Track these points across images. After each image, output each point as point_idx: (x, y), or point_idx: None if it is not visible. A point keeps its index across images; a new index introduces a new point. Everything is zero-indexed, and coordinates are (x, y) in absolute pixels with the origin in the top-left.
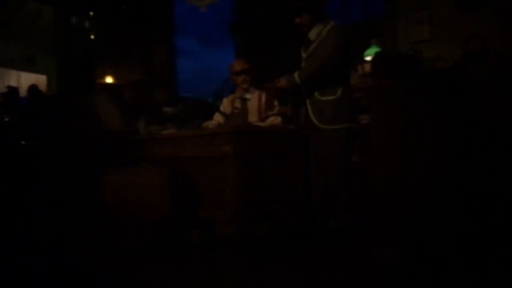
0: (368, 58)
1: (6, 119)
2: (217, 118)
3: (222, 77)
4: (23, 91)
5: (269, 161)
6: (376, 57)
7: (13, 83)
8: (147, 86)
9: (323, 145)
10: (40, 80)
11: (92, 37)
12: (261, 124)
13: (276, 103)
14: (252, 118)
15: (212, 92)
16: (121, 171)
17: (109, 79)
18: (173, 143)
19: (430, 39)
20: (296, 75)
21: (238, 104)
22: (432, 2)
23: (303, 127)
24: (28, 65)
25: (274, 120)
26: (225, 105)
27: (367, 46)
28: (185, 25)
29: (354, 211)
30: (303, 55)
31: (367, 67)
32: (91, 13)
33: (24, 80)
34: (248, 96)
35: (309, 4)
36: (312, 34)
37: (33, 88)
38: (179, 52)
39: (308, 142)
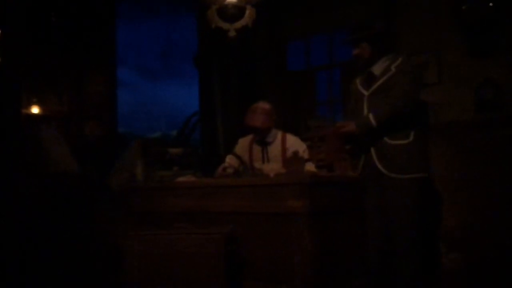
0: None
1: None
2: (231, 161)
3: (166, 112)
4: None
5: (340, 219)
6: None
7: None
8: (79, 119)
9: (390, 198)
10: None
11: None
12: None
13: (304, 147)
14: (275, 165)
15: (152, 128)
16: (153, 235)
17: (35, 109)
18: (199, 194)
19: (438, 82)
20: (371, 117)
21: (257, 147)
22: (439, 44)
23: (361, 175)
24: None
25: (309, 167)
26: (241, 147)
27: None
28: (124, 55)
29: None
30: (364, 92)
31: None
32: None
33: None
34: (270, 139)
35: (372, 34)
36: (377, 69)
37: None
38: (117, 83)
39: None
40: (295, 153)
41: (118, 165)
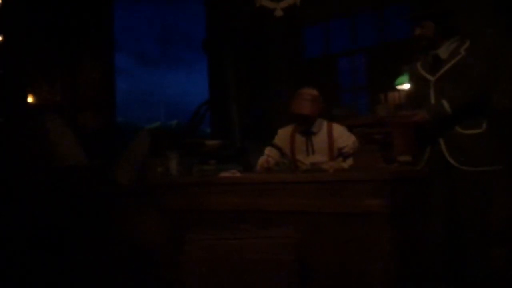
0: (401, 87)
1: None
2: (271, 153)
3: (164, 100)
4: None
5: (416, 218)
6: None
7: None
8: (74, 109)
9: (460, 193)
10: None
11: None
12: (343, 165)
13: (354, 138)
14: (321, 157)
15: (150, 117)
16: (214, 240)
17: (28, 99)
18: (250, 190)
19: None
20: (445, 104)
21: (300, 138)
22: (480, 27)
23: (425, 169)
24: None
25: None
26: (282, 138)
27: (395, 70)
28: (120, 40)
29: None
30: (429, 77)
31: (399, 97)
32: None
33: None
34: (315, 128)
35: (438, 12)
36: (443, 52)
37: None
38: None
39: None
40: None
41: (124, 158)
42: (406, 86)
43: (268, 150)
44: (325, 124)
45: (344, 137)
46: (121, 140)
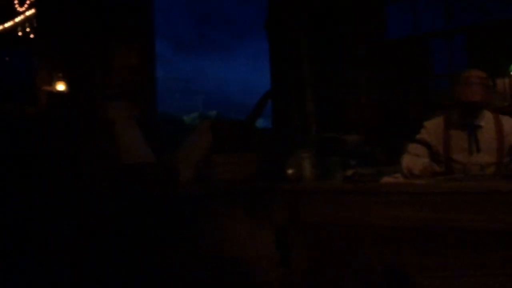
0: None
1: None
2: (418, 151)
3: (203, 88)
4: None
5: None
6: None
7: None
8: (106, 97)
9: None
10: None
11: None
12: None
13: None
14: (489, 157)
15: (188, 107)
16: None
17: (60, 86)
18: (440, 203)
19: None
20: None
21: (459, 133)
22: None
23: None
24: None
25: None
26: (431, 133)
27: (504, 53)
28: (155, 24)
29: None
30: None
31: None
32: None
33: None
34: (480, 121)
35: None
36: None
37: None
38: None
39: None
40: None
41: (184, 153)
42: None
43: (413, 148)
44: (490, 115)
45: None
46: (162, 132)
